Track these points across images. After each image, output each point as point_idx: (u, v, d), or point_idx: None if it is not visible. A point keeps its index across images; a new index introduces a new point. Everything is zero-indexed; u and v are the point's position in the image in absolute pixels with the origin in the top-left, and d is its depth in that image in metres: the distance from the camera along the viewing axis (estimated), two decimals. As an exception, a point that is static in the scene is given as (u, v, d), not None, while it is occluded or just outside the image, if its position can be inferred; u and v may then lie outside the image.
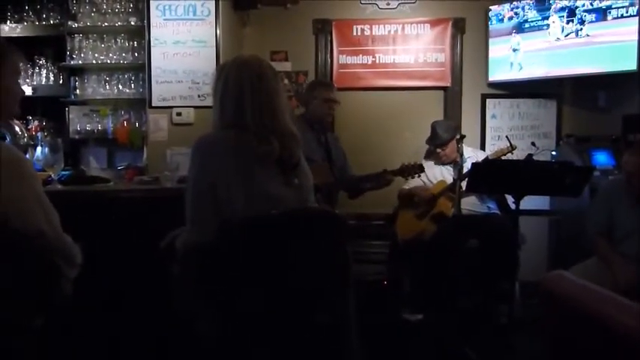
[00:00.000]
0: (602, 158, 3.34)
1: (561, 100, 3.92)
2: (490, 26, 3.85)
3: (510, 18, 3.76)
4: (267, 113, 1.69)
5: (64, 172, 2.39)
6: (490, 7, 3.84)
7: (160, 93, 3.34)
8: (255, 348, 1.59)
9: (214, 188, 1.60)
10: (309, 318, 1.65)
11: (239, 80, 1.71)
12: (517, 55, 3.74)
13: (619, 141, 3.36)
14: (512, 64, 3.76)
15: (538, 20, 3.64)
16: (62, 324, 1.61)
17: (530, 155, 3.16)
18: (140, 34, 3.42)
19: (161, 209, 2.01)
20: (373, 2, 3.97)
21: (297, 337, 1.65)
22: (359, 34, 3.93)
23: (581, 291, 0.91)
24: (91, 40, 3.52)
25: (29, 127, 3.59)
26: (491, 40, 3.85)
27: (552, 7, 3.58)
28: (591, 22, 3.42)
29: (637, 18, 3.23)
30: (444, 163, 3.39)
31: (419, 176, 3.13)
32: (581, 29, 3.47)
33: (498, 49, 3.82)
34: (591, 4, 3.42)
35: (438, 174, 3.41)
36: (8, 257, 1.34)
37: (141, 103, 3.45)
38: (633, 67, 3.26)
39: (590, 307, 0.87)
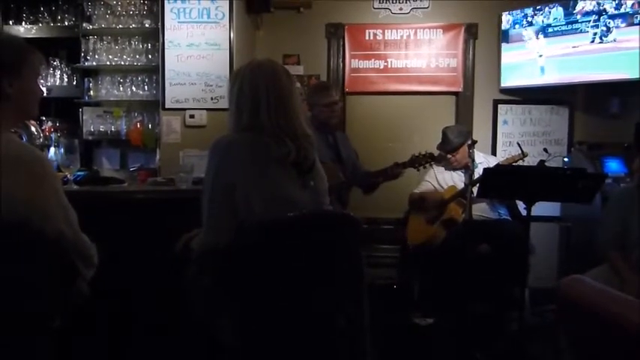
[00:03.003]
0: (614, 166, 3.33)
1: (573, 106, 3.91)
2: (507, 31, 3.84)
3: (530, 23, 3.74)
4: (283, 115, 1.70)
5: (79, 173, 2.42)
6: (503, 13, 3.84)
7: (173, 95, 3.36)
8: (271, 349, 1.60)
9: (232, 189, 1.62)
10: (326, 320, 1.66)
11: (254, 83, 1.72)
12: (541, 60, 3.73)
13: (631, 148, 3.35)
14: (542, 68, 3.73)
15: (561, 25, 3.63)
16: (79, 324, 1.62)
17: (542, 161, 3.16)
18: (154, 36, 3.45)
19: (176, 211, 2.02)
20: (386, 7, 3.98)
21: (313, 340, 1.66)
22: (371, 38, 3.95)
23: (598, 294, 0.92)
24: (105, 42, 3.55)
25: (43, 127, 3.62)
26: (504, 46, 3.85)
27: (577, 11, 3.56)
28: (617, 27, 3.40)
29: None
30: (455, 169, 3.38)
31: (431, 166, 3.09)
32: (607, 35, 3.45)
33: (513, 55, 3.81)
34: (616, 9, 3.39)
35: (448, 179, 3.41)
36: (29, 257, 1.36)
37: (154, 105, 3.47)
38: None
39: (607, 310, 0.88)
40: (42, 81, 3.63)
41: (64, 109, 3.72)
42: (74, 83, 3.75)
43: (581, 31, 3.54)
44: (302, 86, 3.96)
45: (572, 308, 0.99)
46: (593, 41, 3.49)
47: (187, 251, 1.75)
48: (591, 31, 3.49)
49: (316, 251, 1.62)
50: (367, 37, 3.95)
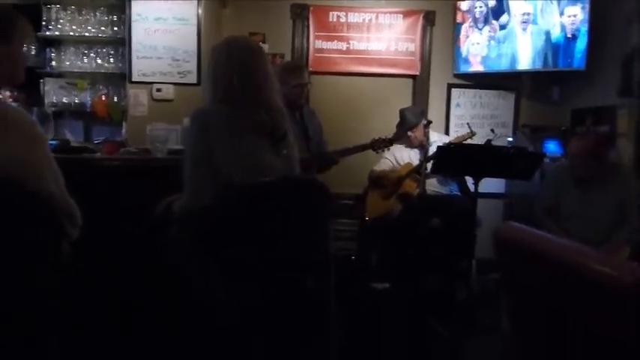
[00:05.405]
0: (552, 147, 3.65)
1: (519, 92, 4.21)
2: (458, 20, 4.08)
3: (475, 13, 3.99)
4: (257, 89, 1.84)
5: (51, 142, 2.45)
6: (458, 2, 4.06)
7: (140, 68, 3.40)
8: (246, 302, 1.75)
9: (211, 156, 1.74)
10: (296, 279, 1.82)
11: (231, 58, 1.85)
12: (480, 49, 4.00)
13: (568, 132, 3.68)
14: (480, 56, 4.01)
15: (501, 15, 3.90)
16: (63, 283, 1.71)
17: (489, 141, 3.43)
18: (120, 8, 3.46)
19: (155, 178, 2.12)
20: (350, -10, 4.11)
21: (284, 298, 1.82)
22: (335, 20, 4.08)
23: (527, 235, 1.13)
24: (68, 12, 3.51)
25: (0, 96, 3.57)
26: (457, 33, 4.08)
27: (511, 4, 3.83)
28: (547, 18, 3.69)
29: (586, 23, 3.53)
30: (412, 146, 3.60)
31: (388, 149, 3.30)
32: (540, 26, 3.74)
33: (465, 42, 4.06)
34: (551, 1, 3.67)
35: (405, 157, 3.64)
36: (24, 217, 1.44)
37: (120, 78, 3.49)
38: (582, 65, 3.56)
39: (536, 247, 1.09)
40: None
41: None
42: (33, 52, 3.67)
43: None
44: (267, 64, 4.05)
45: (508, 249, 1.19)
46: (524, 32, 3.77)
47: (168, 214, 1.86)
48: (523, 24, 3.78)
49: (288, 214, 1.78)
50: (331, 19, 4.08)
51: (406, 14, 4.10)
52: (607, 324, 0.95)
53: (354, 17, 4.08)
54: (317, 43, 4.08)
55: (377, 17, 4.09)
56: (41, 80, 3.61)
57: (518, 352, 1.40)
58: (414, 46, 4.11)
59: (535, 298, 1.23)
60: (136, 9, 3.36)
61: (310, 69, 3.95)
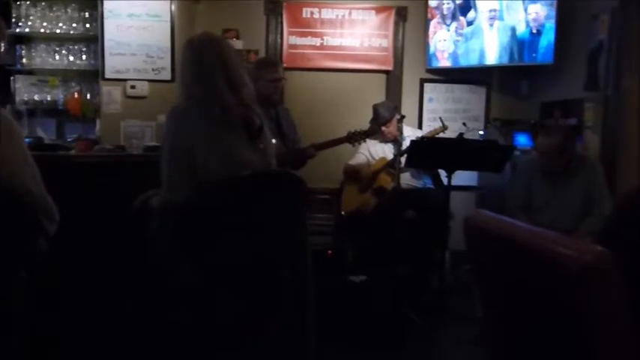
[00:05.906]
0: (522, 139, 3.76)
1: (490, 87, 4.32)
2: (428, 16, 4.15)
3: (443, 10, 4.07)
4: (231, 86, 1.86)
5: (25, 139, 2.41)
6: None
7: (113, 65, 3.37)
8: (224, 296, 1.78)
9: (190, 152, 1.76)
10: (274, 271, 1.86)
11: (205, 55, 1.87)
12: (447, 45, 4.08)
13: (537, 125, 3.79)
14: (448, 52, 4.10)
15: (468, 12, 3.98)
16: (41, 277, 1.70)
17: (461, 134, 3.51)
18: (91, 4, 3.42)
19: (129, 175, 2.12)
20: (323, -14, 4.14)
21: (261, 288, 1.85)
22: (309, 16, 4.11)
23: (496, 222, 1.19)
24: (39, 8, 3.46)
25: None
26: (427, 29, 4.16)
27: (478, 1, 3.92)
28: (513, 15, 3.79)
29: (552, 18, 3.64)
30: (386, 141, 3.66)
31: (365, 141, 3.35)
32: (506, 22, 3.84)
33: (435, 38, 4.14)
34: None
35: (380, 151, 3.70)
36: (1, 214, 1.43)
37: (92, 75, 3.46)
38: (549, 59, 3.68)
39: (504, 233, 1.14)
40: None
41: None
42: (2, 50, 3.59)
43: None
44: (241, 60, 4.05)
45: (478, 235, 1.25)
46: (491, 27, 3.87)
47: (145, 209, 1.87)
48: (490, 20, 3.87)
49: (265, 206, 1.81)
50: (304, 15, 4.11)
51: (379, 10, 4.15)
52: (572, 302, 1.00)
53: (327, 13, 4.12)
54: (291, 39, 4.11)
55: (350, 13, 4.14)
56: (11, 77, 3.54)
57: (492, 338, 1.46)
58: (386, 42, 4.17)
59: (504, 282, 1.29)
60: (108, 5, 3.33)
61: (284, 65, 3.98)
